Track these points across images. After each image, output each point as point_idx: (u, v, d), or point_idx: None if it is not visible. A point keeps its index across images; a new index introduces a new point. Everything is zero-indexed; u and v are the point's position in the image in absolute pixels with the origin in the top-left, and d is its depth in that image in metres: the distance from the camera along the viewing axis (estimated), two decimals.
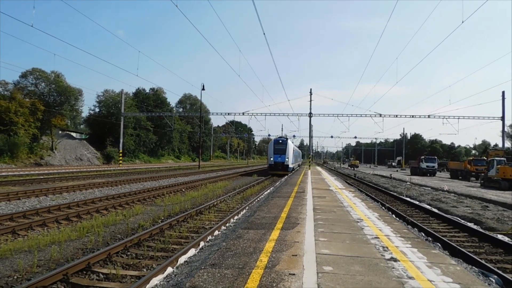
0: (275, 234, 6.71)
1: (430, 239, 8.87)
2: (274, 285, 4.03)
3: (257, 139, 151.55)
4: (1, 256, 6.73)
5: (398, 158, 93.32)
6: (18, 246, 7.35)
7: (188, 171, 39.01)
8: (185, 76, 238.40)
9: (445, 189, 24.24)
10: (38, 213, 10.93)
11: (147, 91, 71.73)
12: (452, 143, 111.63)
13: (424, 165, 48.66)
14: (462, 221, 11.94)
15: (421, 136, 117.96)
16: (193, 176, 31.21)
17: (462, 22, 20.33)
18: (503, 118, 40.44)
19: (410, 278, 4.35)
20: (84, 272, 5.93)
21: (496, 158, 30.11)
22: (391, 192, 21.32)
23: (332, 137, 72.08)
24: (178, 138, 77.45)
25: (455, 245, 8.25)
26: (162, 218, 11.32)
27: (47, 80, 46.34)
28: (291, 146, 36.96)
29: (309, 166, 48.32)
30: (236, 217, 11.21)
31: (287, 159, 34.74)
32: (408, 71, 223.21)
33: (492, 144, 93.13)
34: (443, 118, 42.94)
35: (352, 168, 72.64)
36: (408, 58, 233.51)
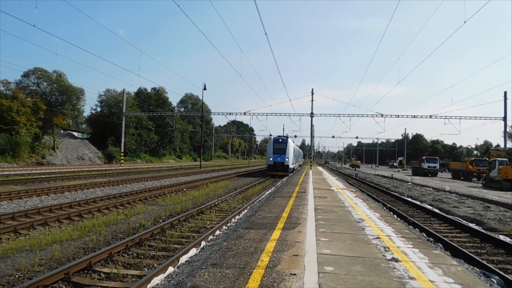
0: (276, 234, 6.71)
1: (432, 239, 8.86)
2: (275, 285, 4.03)
3: (259, 139, 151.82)
4: (3, 255, 6.75)
5: (400, 158, 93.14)
6: (19, 245, 7.37)
7: (190, 170, 39.03)
8: (186, 75, 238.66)
9: (446, 190, 24.19)
10: (39, 212, 10.95)
11: (149, 90, 71.93)
12: (454, 143, 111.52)
13: (425, 165, 48.55)
14: (464, 221, 11.91)
15: (422, 136, 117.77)
16: (194, 175, 31.23)
17: (464, 22, 20.20)
18: (505, 119, 40.33)
19: (412, 278, 4.34)
20: (86, 271, 5.95)
21: (498, 159, 30.03)
22: (393, 193, 21.30)
23: (333, 137, 71.97)
24: (180, 137, 77.54)
25: (457, 246, 8.23)
26: (164, 217, 11.33)
27: (49, 80, 46.48)
28: (292, 146, 35.25)
29: (311, 166, 48.30)
30: (237, 217, 11.22)
31: (287, 159, 33.11)
32: (410, 71, 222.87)
33: (494, 144, 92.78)
34: (445, 118, 42.91)
35: (354, 168, 72.59)
36: (410, 58, 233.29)
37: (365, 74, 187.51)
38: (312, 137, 49.61)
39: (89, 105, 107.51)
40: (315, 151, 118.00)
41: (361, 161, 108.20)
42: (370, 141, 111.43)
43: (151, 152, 65.79)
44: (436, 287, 4.10)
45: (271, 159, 33.48)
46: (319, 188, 17.46)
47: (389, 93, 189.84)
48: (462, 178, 41.55)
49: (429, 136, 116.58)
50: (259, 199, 16.07)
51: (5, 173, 24.63)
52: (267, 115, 48.27)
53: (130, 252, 7.23)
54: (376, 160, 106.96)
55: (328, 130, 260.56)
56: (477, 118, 42.89)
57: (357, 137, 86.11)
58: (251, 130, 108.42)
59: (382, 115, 44.58)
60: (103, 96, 58.94)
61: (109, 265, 6.38)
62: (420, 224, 10.96)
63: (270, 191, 19.63)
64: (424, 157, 51.28)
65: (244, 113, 47.94)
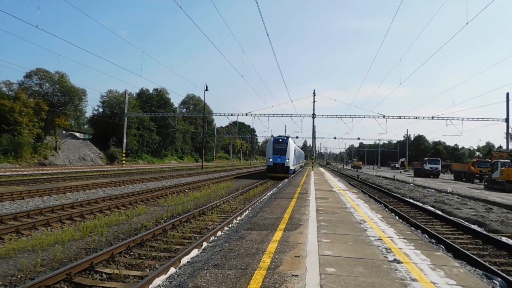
0: (278, 235, 6.71)
1: (434, 241, 8.83)
2: (277, 286, 4.02)
3: (260, 139, 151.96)
4: (5, 255, 6.77)
5: (402, 159, 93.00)
6: (21, 245, 7.39)
7: (191, 171, 39.07)
8: (188, 76, 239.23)
9: (448, 191, 24.11)
10: (41, 213, 10.98)
11: (151, 91, 72.13)
12: (456, 144, 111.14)
13: (427, 166, 48.43)
14: (466, 223, 11.88)
15: (424, 137, 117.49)
16: (196, 176, 31.24)
17: (467, 23, 20.19)
18: (507, 120, 40.27)
19: (413, 280, 4.33)
20: (87, 271, 5.96)
21: (500, 160, 29.92)
22: (394, 194, 21.25)
23: (335, 138, 71.69)
24: (181, 138, 77.67)
25: (459, 247, 8.21)
26: (165, 218, 11.34)
27: (51, 80, 46.60)
28: (292, 146, 33.09)
29: (312, 167, 48.25)
30: (239, 218, 11.22)
31: (287, 160, 31.04)
32: (411, 72, 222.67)
33: (496, 146, 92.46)
34: (447, 120, 42.86)
35: (355, 170, 72.46)
36: (412, 59, 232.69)
37: (367, 75, 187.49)
38: (313, 138, 49.53)
39: (91, 106, 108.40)
40: (317, 152, 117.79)
41: (363, 163, 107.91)
42: (372, 142, 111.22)
43: (152, 153, 65.92)
44: None
45: (270, 160, 31.38)
46: (320, 189, 17.44)
47: (391, 94, 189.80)
48: (464, 179, 41.41)
49: (431, 137, 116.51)
50: (261, 200, 16.06)
51: (7, 173, 24.72)
52: (268, 116, 47.97)
53: (131, 253, 7.24)
54: (378, 161, 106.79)
55: (330, 131, 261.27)
56: (479, 120, 42.91)
57: (358, 138, 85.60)
58: (253, 131, 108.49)
59: (384, 116, 44.53)
60: (105, 97, 59.20)
61: (111, 265, 6.40)
62: (422, 226, 10.93)
63: (271, 192, 19.63)
64: (426, 159, 51.15)
65: (246, 114, 47.99)
